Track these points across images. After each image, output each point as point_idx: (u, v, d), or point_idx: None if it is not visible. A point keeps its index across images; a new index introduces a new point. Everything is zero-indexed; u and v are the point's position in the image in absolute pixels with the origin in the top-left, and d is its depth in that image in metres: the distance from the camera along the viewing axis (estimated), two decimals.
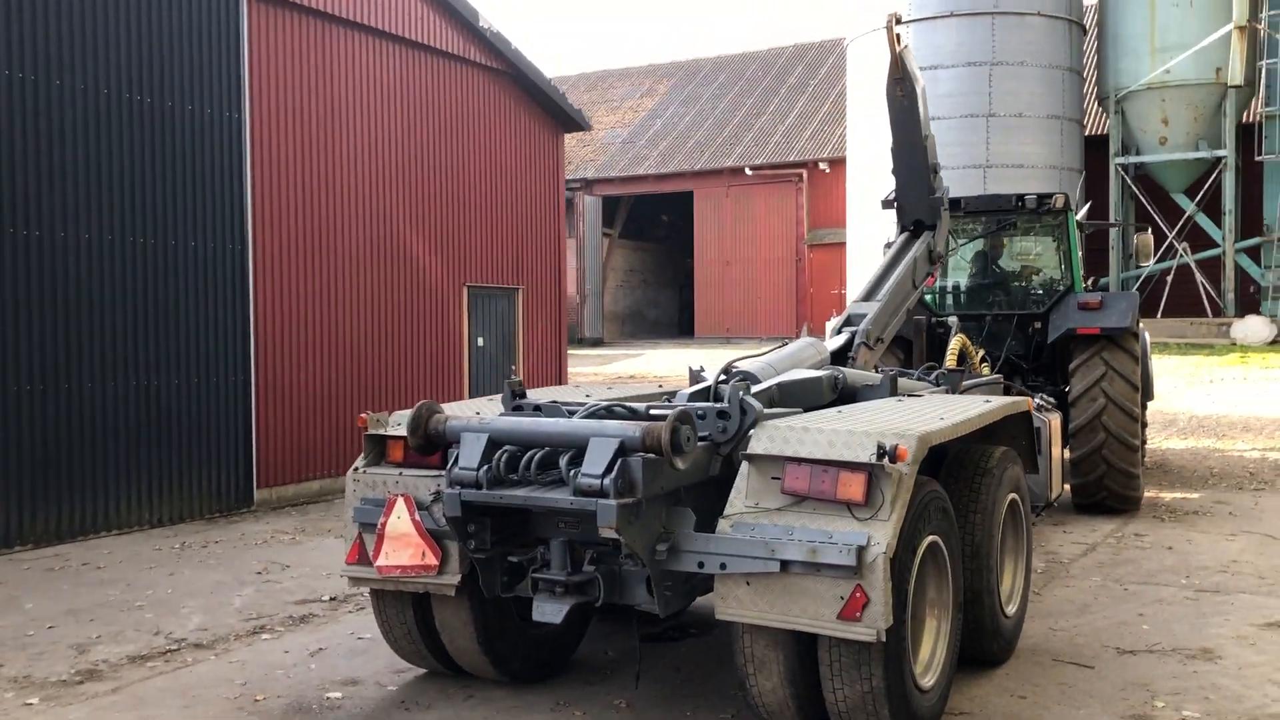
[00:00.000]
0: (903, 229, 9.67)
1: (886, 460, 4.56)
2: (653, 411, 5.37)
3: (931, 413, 5.51)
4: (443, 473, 5.49)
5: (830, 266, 33.13)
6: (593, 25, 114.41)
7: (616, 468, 4.62)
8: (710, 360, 28.42)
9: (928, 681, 5.07)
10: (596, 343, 36.38)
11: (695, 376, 7.04)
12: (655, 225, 41.25)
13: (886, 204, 9.70)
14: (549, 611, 4.99)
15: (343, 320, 12.79)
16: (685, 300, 40.86)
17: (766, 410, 5.27)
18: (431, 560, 5.44)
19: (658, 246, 41.40)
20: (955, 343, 10.05)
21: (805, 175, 33.75)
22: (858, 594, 4.50)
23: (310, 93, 12.44)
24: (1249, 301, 26.18)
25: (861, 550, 4.48)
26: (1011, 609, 6.32)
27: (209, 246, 11.29)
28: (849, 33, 28.72)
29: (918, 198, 9.35)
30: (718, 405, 5.18)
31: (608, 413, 5.24)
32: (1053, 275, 11.55)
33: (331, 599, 7.95)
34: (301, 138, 12.33)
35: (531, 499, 4.85)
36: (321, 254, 12.55)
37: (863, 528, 4.55)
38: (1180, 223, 25.85)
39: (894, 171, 9.44)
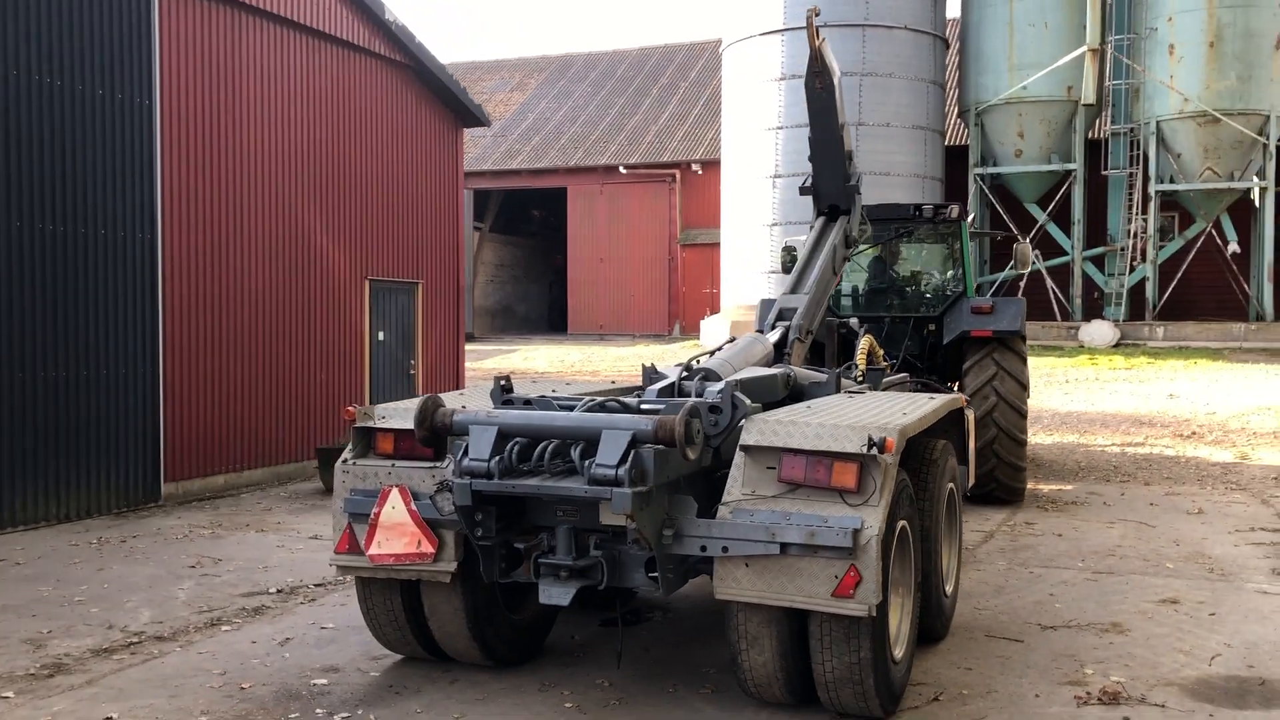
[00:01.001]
0: (819, 213, 9.94)
1: (875, 451, 4.99)
2: (644, 406, 5.68)
3: (894, 408, 5.97)
4: (435, 464, 5.71)
5: (703, 266, 33.88)
6: (457, 15, 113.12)
7: (630, 458, 4.92)
8: (589, 357, 28.67)
9: (898, 654, 5.53)
10: (468, 338, 36.21)
11: (650, 374, 7.36)
12: (526, 221, 41.32)
13: (804, 190, 10.07)
14: (556, 594, 5.27)
15: (248, 312, 12.64)
16: (555, 297, 41.08)
17: (750, 405, 5.65)
18: (428, 548, 5.64)
19: (528, 242, 41.48)
20: (865, 343, 10.60)
21: (678, 176, 34.40)
22: (851, 573, 4.92)
23: (219, 81, 12.26)
24: (1094, 306, 27.98)
25: (857, 533, 4.90)
26: (949, 588, 6.87)
27: (119, 235, 11.04)
28: (724, 38, 29.44)
29: (834, 183, 9.61)
30: (710, 400, 5.53)
31: (601, 408, 5.53)
32: (946, 280, 12.30)
33: (279, 591, 7.98)
34: (210, 126, 12.15)
35: (545, 488, 5.10)
36: (228, 245, 12.38)
37: (855, 512, 4.97)
38: (1033, 231, 27.42)
39: (811, 159, 9.73)
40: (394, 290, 15.02)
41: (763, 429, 5.24)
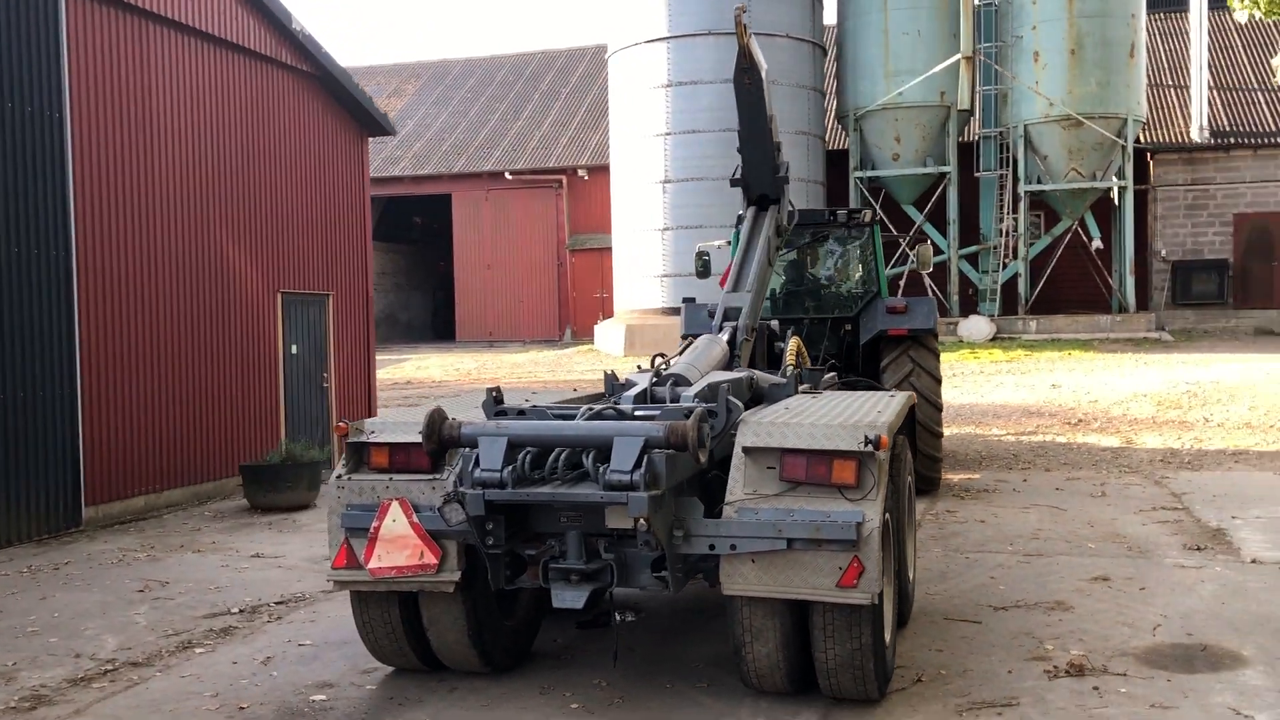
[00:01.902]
0: (749, 204, 9.94)
1: (871, 448, 5.30)
2: (638, 413, 5.86)
3: (867, 407, 6.30)
4: (435, 477, 5.80)
5: (593, 271, 34.10)
6: (327, 21, 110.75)
7: (644, 463, 5.12)
8: (484, 364, 28.52)
9: (887, 638, 5.86)
10: None
11: (612, 380, 7.55)
12: (408, 228, 40.87)
13: (734, 182, 10.23)
14: (569, 598, 5.43)
15: (163, 329, 12.34)
16: (439, 304, 40.74)
17: (741, 409, 5.90)
18: (431, 560, 5.73)
19: (411, 249, 41.03)
20: (793, 344, 10.97)
21: (565, 181, 34.54)
22: (855, 564, 5.21)
23: (128, 92, 11.95)
24: (969, 303, 29.18)
25: (860, 526, 5.20)
26: (911, 575, 7.26)
27: (32, 252, 10.68)
28: (610, 45, 29.72)
29: (763, 175, 9.66)
30: (706, 405, 5.76)
31: (600, 415, 5.70)
32: (861, 282, 12.80)
33: (241, 611, 7.90)
34: (120, 138, 11.83)
35: (560, 495, 5.26)
36: (142, 259, 12.08)
37: (856, 507, 5.27)
38: (910, 232, 28.43)
39: (740, 151, 9.69)
40: (305, 302, 14.82)
41: (760, 430, 5.50)
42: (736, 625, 5.57)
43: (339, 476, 5.97)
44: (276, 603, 8.11)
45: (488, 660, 6.14)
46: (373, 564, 5.78)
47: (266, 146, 14.10)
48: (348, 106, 15.71)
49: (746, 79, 8.93)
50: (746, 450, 5.46)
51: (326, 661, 6.67)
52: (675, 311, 27.49)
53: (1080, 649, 6.51)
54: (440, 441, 5.47)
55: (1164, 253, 29.11)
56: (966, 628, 7.06)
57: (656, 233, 27.71)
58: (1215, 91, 29.77)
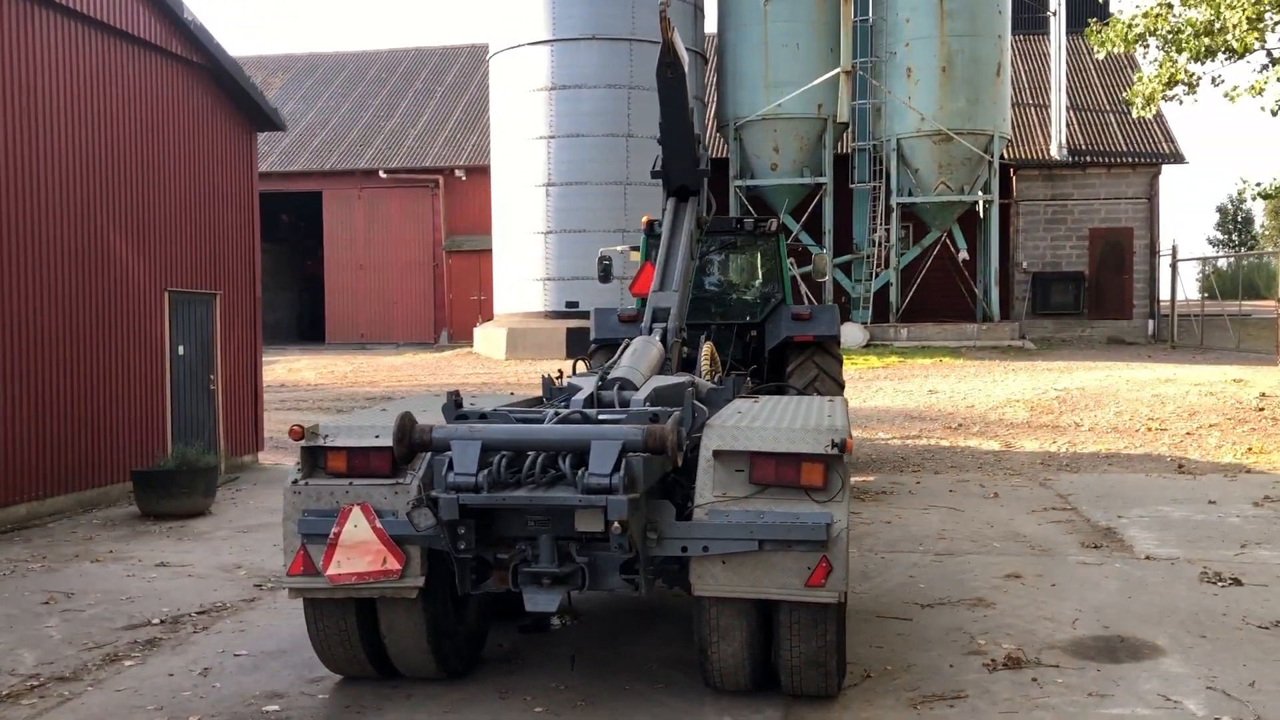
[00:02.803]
0: (669, 195, 10.03)
1: (837, 451, 5.46)
2: (602, 417, 5.89)
3: (817, 411, 6.46)
4: (397, 481, 5.72)
5: (469, 273, 33.78)
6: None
7: (623, 466, 5.16)
8: (359, 367, 27.94)
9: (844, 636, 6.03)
10: None
11: (549, 384, 7.56)
12: (274, 226, 39.65)
13: (655, 174, 10.28)
14: (542, 601, 5.43)
15: (47, 326, 11.75)
16: (307, 305, 39.73)
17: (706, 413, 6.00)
18: (394, 565, 5.65)
19: (276, 248, 39.79)
20: (708, 350, 11.15)
21: (442, 182, 34.14)
22: (824, 564, 5.37)
23: (11, 78, 11.34)
24: (842, 311, 29.98)
25: (829, 526, 5.36)
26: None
27: None
28: (491, 45, 29.53)
29: (684, 166, 9.74)
30: (654, 410, 5.82)
31: (566, 420, 5.71)
32: (766, 289, 13.06)
33: (162, 622, 7.62)
34: (2, 128, 11.22)
35: (536, 499, 5.25)
36: (24, 253, 11.48)
37: (824, 508, 5.42)
38: (787, 240, 29.09)
39: (660, 142, 9.81)
40: (193, 302, 14.31)
41: (727, 434, 5.60)
42: (704, 625, 5.65)
43: (294, 481, 5.84)
44: (198, 613, 7.84)
45: (444, 666, 6.08)
46: (332, 570, 5.67)
47: (155, 139, 13.57)
48: (237, 100, 15.25)
49: (669, 72, 8.86)
50: (716, 454, 5.55)
51: (269, 671, 6.49)
52: (559, 315, 27.58)
53: (1011, 643, 6.82)
54: (411, 445, 5.41)
55: (1025, 264, 30.49)
56: (899, 625, 7.31)
57: (539, 236, 27.64)
58: (1072, 112, 31.34)
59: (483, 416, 5.96)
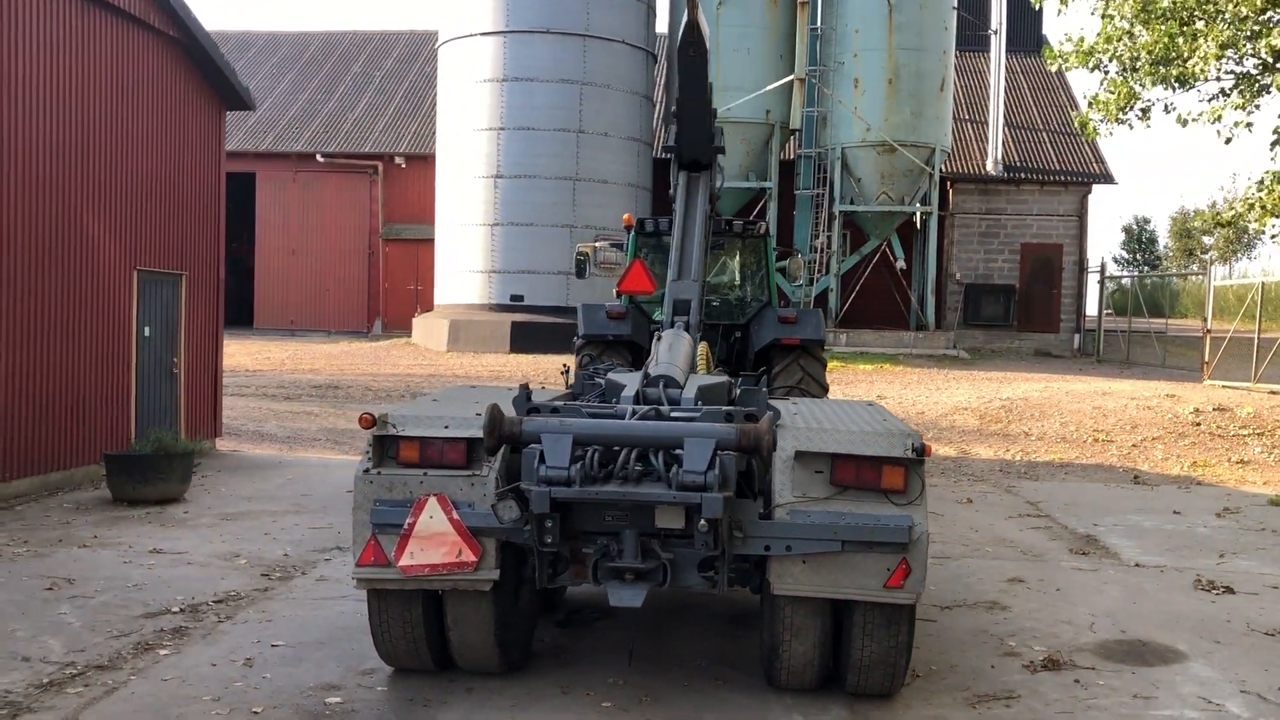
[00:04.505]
0: (681, 168, 9.87)
1: (917, 455, 5.57)
2: (675, 415, 5.89)
3: (872, 414, 6.58)
4: (475, 473, 5.66)
5: (407, 262, 33.33)
6: None
7: (717, 464, 5.20)
8: (295, 354, 27.37)
9: None
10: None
11: (583, 380, 7.53)
12: None
13: (668, 149, 10.16)
14: (627, 597, 5.44)
15: (12, 303, 11.30)
16: (233, 288, 38.69)
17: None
18: (470, 558, 5.60)
19: None
20: (703, 349, 11.19)
21: (381, 168, 33.61)
22: (903, 566, 5.47)
23: None
24: None
25: (911, 529, 5.46)
26: None
27: None
28: (442, 33, 29.19)
29: (699, 141, 9.58)
30: (746, 409, 5.88)
31: (645, 417, 5.72)
32: (752, 291, 13.17)
33: (181, 611, 7.42)
34: None
35: (629, 494, 5.26)
36: None
37: (904, 511, 5.53)
38: None
39: (675, 116, 9.60)
40: (160, 282, 13.90)
41: (806, 436, 5.68)
42: (777, 624, 5.72)
43: (366, 471, 5.74)
44: (215, 601, 7.66)
45: (507, 660, 6.05)
46: (404, 561, 5.60)
47: (129, 113, 13.17)
48: (209, 76, 14.87)
49: (692, 50, 8.65)
50: (798, 455, 5.61)
51: (315, 662, 6.38)
52: (503, 308, 27.41)
53: (1042, 645, 7.03)
54: (501, 437, 5.37)
55: (959, 276, 31.19)
56: (927, 626, 7.45)
57: (485, 227, 27.41)
58: (1008, 129, 32.15)
59: (555, 410, 5.94)
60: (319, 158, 33.73)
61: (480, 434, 5.52)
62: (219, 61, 14.76)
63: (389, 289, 33.73)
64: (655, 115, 30.82)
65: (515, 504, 5.45)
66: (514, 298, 27.09)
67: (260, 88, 37.41)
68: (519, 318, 26.80)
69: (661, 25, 30.87)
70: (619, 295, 12.74)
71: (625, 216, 14.13)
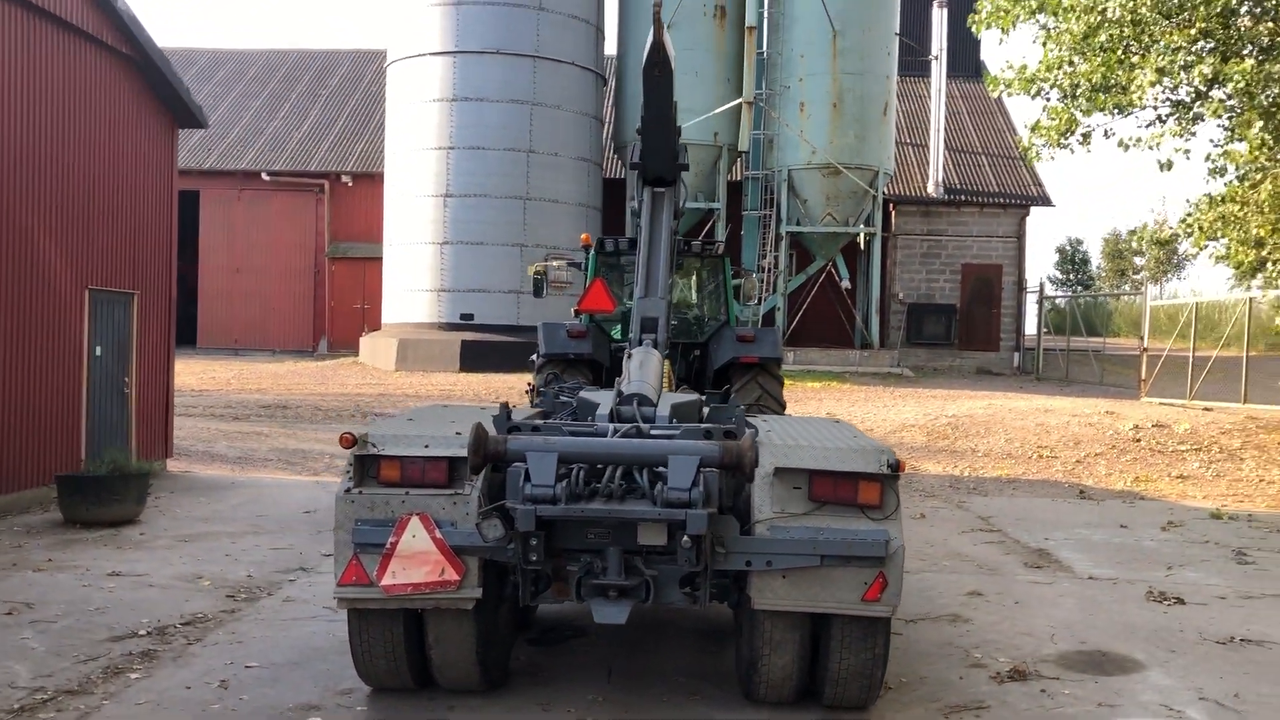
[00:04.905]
0: (645, 184, 9.83)
1: (892, 471, 5.72)
2: (654, 432, 5.99)
3: (841, 431, 6.72)
4: (456, 492, 5.70)
5: (353, 280, 33.11)
6: None
7: (701, 481, 5.30)
8: (240, 373, 27.07)
9: None
10: None
11: (547, 398, 7.59)
12: None
13: (633, 166, 10.19)
14: (611, 613, 5.50)
15: None
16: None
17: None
18: (453, 576, 5.63)
19: None
20: (665, 368, 11.33)
21: (328, 187, 33.38)
22: (880, 579, 5.61)
23: None
24: None
25: (887, 543, 5.60)
26: None
27: None
28: (391, 53, 29.13)
29: (663, 159, 9.56)
30: (725, 426, 5.99)
31: (638, 432, 5.82)
32: (709, 310, 13.32)
33: (147, 634, 7.34)
34: None
35: (615, 511, 5.33)
36: None
37: (880, 525, 5.67)
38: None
39: (639, 133, 9.41)
40: (112, 301, 13.72)
41: (783, 452, 5.80)
42: (757, 639, 5.81)
43: (347, 490, 5.76)
44: (182, 624, 7.59)
45: (487, 678, 6.07)
46: (387, 581, 5.62)
47: (81, 131, 13.01)
48: (162, 94, 14.73)
49: (657, 70, 8.74)
50: (777, 471, 5.73)
51: (291, 683, 6.35)
52: (453, 327, 27.32)
53: (1006, 657, 7.20)
54: (486, 456, 5.42)
55: (901, 295, 31.69)
56: (894, 639, 7.49)
57: (434, 246, 27.34)
58: (948, 153, 32.78)
59: (535, 429, 6.01)
60: (264, 176, 33.44)
61: (462, 453, 5.59)
62: (172, 79, 14.63)
63: (335, 308, 33.46)
64: (604, 135, 30.99)
65: (499, 522, 5.50)
66: (464, 316, 27.03)
67: (204, 105, 36.95)
68: (469, 336, 26.74)
69: (610, 47, 31.10)
70: (577, 314, 12.84)
71: (583, 236, 14.24)
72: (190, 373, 27.23)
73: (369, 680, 6.13)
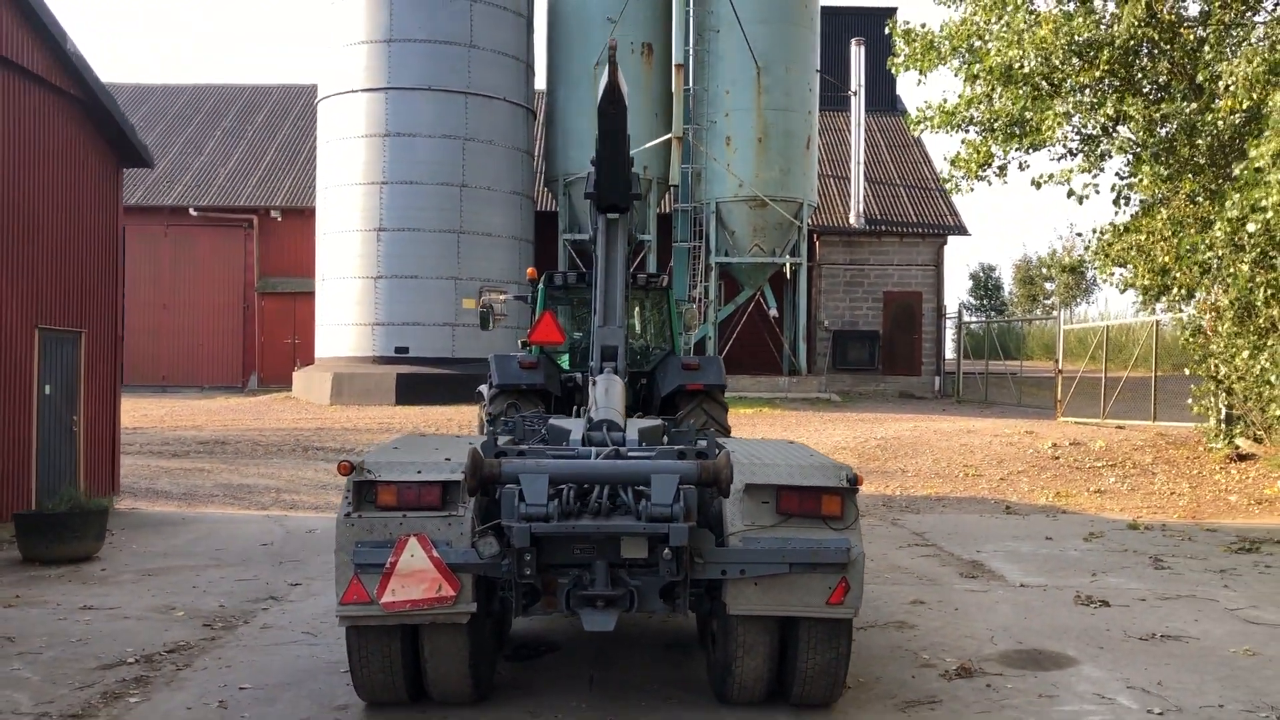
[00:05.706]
0: (600, 212, 10.17)
1: (850, 485, 6.26)
2: (632, 454, 6.47)
3: (798, 450, 7.26)
4: (452, 513, 6.11)
5: (283, 314, 33.04)
6: None
7: (681, 497, 5.79)
8: (172, 410, 26.89)
9: None
10: None
11: (519, 426, 8.04)
12: None
13: (587, 195, 10.51)
14: (599, 622, 5.95)
15: None
16: None
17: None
18: (449, 592, 6.03)
19: None
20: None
21: (256, 222, 33.33)
22: (843, 584, 6.13)
23: None
24: None
25: (849, 550, 6.13)
26: None
27: None
28: (322, 88, 29.31)
29: (617, 190, 9.84)
30: (697, 447, 6.49)
31: (617, 454, 6.30)
32: (654, 339, 13.85)
33: (135, 661, 7.57)
34: None
35: (603, 527, 5.79)
36: None
37: (842, 534, 6.20)
38: None
39: (594, 164, 9.87)
40: (61, 340, 13.81)
41: (752, 470, 6.31)
42: (731, 643, 6.30)
43: (347, 514, 6.12)
44: (167, 651, 7.83)
45: (479, 689, 6.46)
46: (386, 598, 5.99)
47: (29, 170, 13.15)
48: (108, 135, 14.90)
49: (612, 109, 8.84)
50: (747, 487, 6.24)
51: (289, 702, 6.67)
52: (388, 360, 27.48)
53: (952, 657, 7.78)
54: (482, 479, 5.84)
55: (827, 323, 32.61)
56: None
57: (368, 280, 27.51)
58: (868, 184, 33.90)
59: (520, 454, 6.45)
60: (192, 211, 33.28)
61: (455, 478, 6.03)
62: (119, 120, 14.82)
63: (265, 343, 33.34)
64: (536, 170, 31.48)
65: (494, 540, 5.92)
66: (399, 350, 27.21)
67: None
68: (404, 369, 26.93)
69: (540, 83, 31.65)
70: (525, 346, 13.29)
71: (529, 270, 14.69)
72: (121, 410, 26.97)
73: (365, 695, 6.47)
